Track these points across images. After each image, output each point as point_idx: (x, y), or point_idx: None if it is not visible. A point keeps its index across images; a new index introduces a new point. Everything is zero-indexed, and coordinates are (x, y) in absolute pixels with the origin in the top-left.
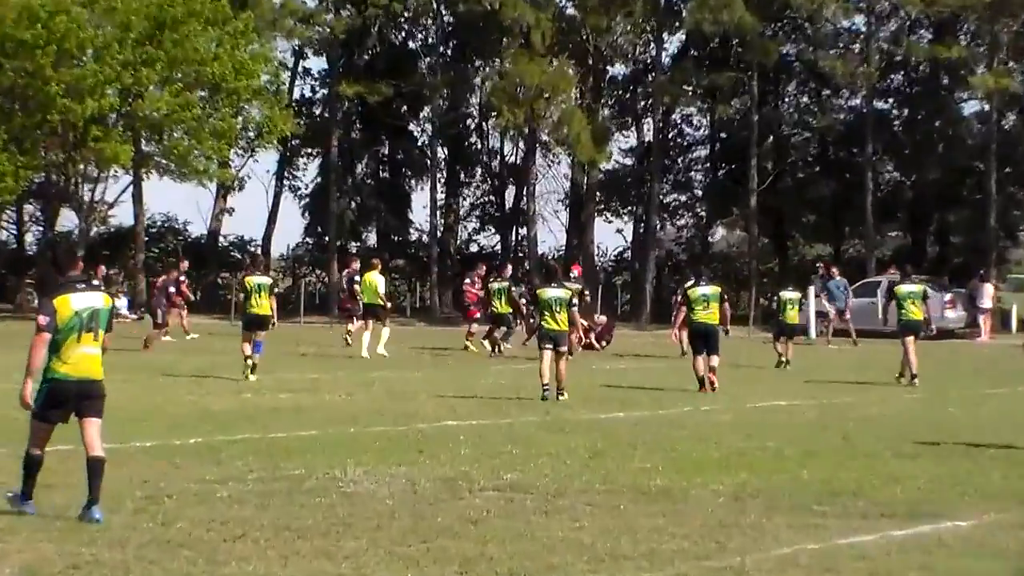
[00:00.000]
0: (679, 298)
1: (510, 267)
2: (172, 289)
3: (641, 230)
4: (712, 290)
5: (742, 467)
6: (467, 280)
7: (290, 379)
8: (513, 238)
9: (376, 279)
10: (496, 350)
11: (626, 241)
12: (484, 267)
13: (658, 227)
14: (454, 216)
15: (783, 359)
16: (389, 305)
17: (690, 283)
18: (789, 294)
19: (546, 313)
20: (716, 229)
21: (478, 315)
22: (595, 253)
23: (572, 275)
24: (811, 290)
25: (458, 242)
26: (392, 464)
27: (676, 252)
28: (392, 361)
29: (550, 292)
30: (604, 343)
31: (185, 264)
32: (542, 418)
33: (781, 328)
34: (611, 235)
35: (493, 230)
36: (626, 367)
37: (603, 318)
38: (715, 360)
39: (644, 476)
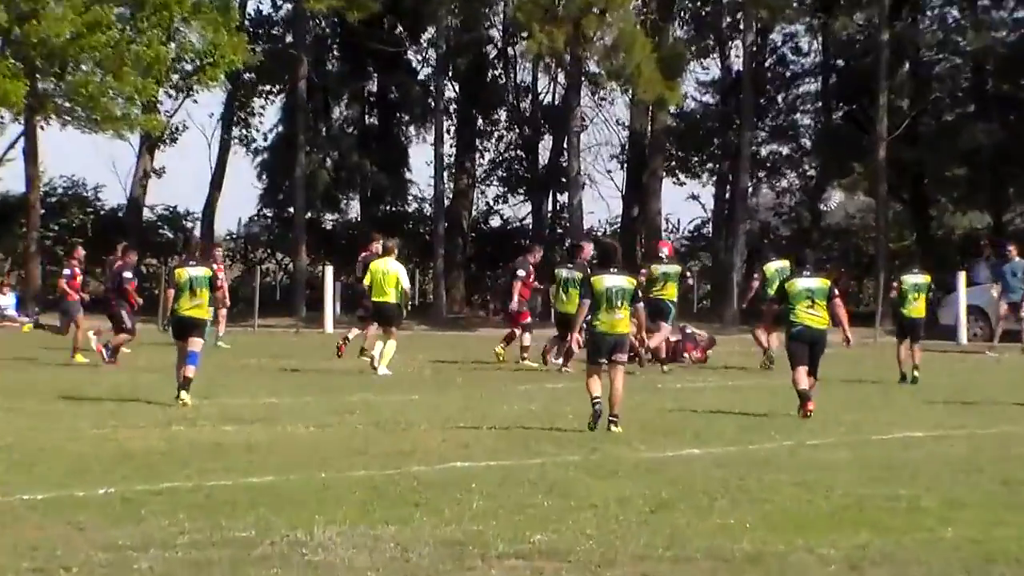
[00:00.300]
0: (758, 283)
1: (590, 248)
2: (128, 275)
3: (727, 195)
4: (819, 284)
5: (862, 524)
6: (519, 272)
7: (238, 405)
8: (549, 207)
9: (395, 269)
10: (548, 361)
11: (705, 211)
12: (540, 251)
13: (750, 191)
14: (468, 178)
15: (913, 372)
16: (407, 309)
17: (773, 263)
18: (913, 278)
19: (601, 310)
20: (831, 193)
21: (529, 319)
22: (662, 227)
23: (662, 255)
24: (961, 278)
25: (473, 213)
26: (377, 523)
27: (775, 225)
28: (381, 379)
29: (608, 281)
30: (697, 355)
31: (133, 257)
32: (586, 457)
33: (901, 326)
34: (684, 203)
35: (523, 197)
36: (704, 385)
37: (703, 334)
38: (814, 380)
39: (726, 536)
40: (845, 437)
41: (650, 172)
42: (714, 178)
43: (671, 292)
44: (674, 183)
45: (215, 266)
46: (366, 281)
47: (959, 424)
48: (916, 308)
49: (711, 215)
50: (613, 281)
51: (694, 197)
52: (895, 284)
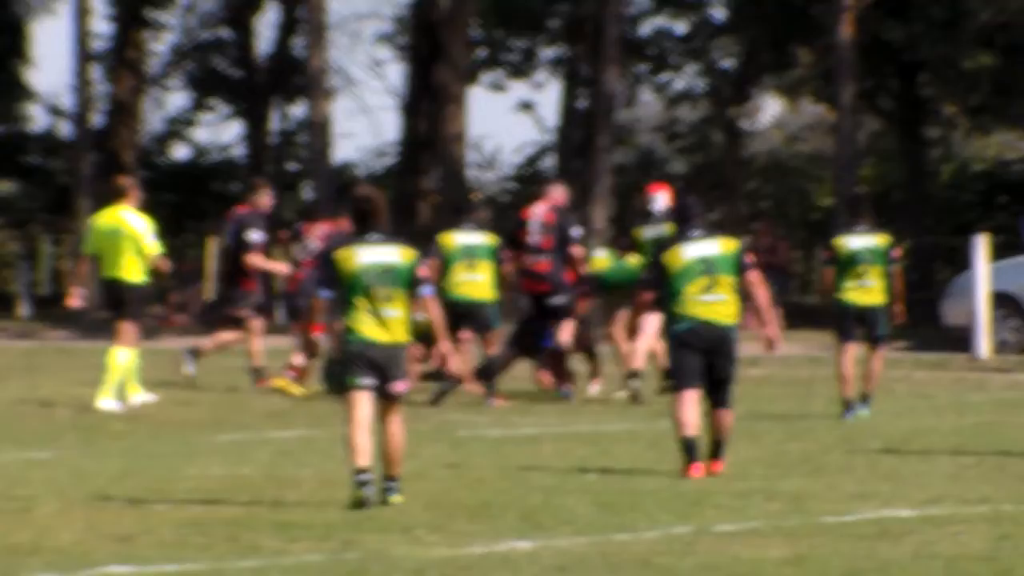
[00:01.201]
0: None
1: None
2: None
3: (581, 104)
4: (720, 250)
5: None
6: (253, 236)
7: None
8: (276, 126)
9: (134, 225)
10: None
11: (545, 133)
12: (268, 191)
13: (622, 98)
14: (134, 78)
15: (863, 396)
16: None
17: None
18: (856, 241)
19: (358, 304)
20: (760, 101)
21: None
22: (465, 162)
23: (654, 208)
24: (979, 245)
25: (143, 138)
26: None
27: (664, 156)
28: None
29: (368, 255)
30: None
31: None
32: (335, 556)
33: (841, 320)
34: (509, 118)
35: (229, 109)
36: (540, 431)
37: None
38: (726, 416)
39: None
40: (780, 519)
41: (448, 67)
42: (560, 77)
43: None
44: (489, 87)
45: None
46: (88, 249)
47: (975, 497)
48: (866, 290)
49: (556, 139)
50: (376, 256)
51: (526, 108)
52: (827, 251)
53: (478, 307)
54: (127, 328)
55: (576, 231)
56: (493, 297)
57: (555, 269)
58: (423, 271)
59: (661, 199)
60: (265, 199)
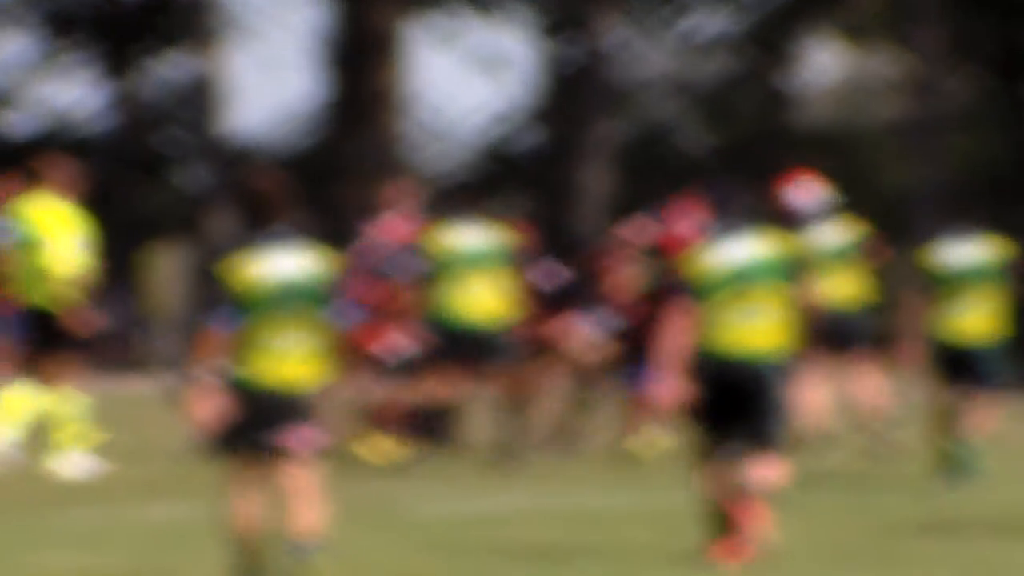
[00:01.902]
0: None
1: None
2: None
3: (564, 58)
4: (766, 253)
5: None
6: None
7: None
8: (152, 88)
9: (67, 230)
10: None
11: (506, 88)
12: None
13: (621, 51)
14: None
15: (948, 452)
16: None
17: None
18: (959, 251)
19: (258, 334)
20: (809, 49)
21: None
22: (405, 134)
23: (800, 204)
24: None
25: None
26: None
27: (674, 128)
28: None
29: (264, 266)
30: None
31: None
32: None
33: (944, 359)
34: (469, 76)
35: (85, 61)
36: (509, 507)
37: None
38: (764, 469)
39: None
40: None
41: (382, 5)
42: (536, 19)
43: (846, 286)
44: (442, 32)
45: None
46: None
47: None
48: (971, 319)
49: (541, 103)
50: (278, 263)
51: (491, 63)
52: (923, 263)
53: (492, 334)
54: (65, 364)
55: None
56: (510, 319)
57: None
58: (343, 285)
59: (809, 190)
60: (407, 196)
